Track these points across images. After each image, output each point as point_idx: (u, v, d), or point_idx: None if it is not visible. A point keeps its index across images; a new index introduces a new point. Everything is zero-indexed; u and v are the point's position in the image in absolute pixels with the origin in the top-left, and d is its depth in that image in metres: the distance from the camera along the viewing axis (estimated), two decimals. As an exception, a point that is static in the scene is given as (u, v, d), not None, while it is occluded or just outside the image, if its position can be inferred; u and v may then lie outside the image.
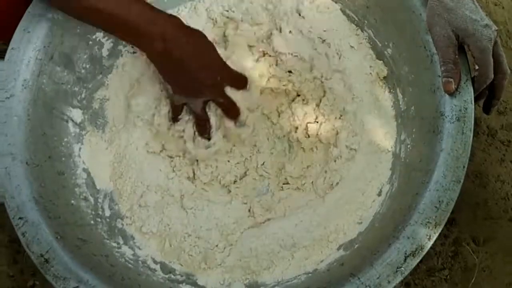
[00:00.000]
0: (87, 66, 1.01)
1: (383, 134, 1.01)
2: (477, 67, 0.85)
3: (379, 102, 1.02)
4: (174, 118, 1.02)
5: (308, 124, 1.03)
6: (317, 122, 1.04)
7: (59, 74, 0.96)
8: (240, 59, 1.04)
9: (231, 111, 1.00)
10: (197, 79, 0.96)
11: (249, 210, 1.00)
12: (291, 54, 1.07)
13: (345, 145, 1.02)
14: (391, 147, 0.98)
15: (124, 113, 1.05)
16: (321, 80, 1.05)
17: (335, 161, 1.01)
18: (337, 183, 1.00)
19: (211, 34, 1.07)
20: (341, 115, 1.04)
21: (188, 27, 0.96)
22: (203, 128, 1.01)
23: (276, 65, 1.07)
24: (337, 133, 1.03)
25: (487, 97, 0.91)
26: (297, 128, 1.04)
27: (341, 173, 1.00)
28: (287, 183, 1.02)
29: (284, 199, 1.00)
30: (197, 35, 0.96)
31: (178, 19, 0.95)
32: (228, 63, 1.00)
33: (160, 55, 0.93)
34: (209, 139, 1.02)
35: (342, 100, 1.04)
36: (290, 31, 1.07)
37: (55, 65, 0.95)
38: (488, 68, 0.84)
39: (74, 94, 0.99)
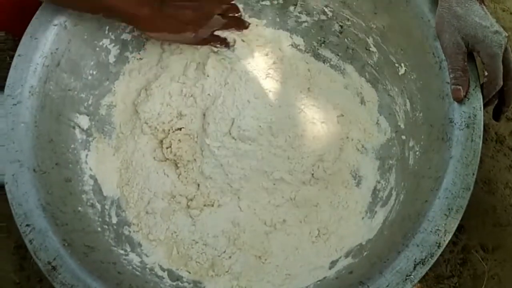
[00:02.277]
0: (94, 72, 1.01)
1: (389, 140, 1.01)
2: (486, 74, 0.84)
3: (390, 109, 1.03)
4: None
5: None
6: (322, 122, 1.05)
7: (66, 81, 0.96)
8: None
9: (238, 24, 1.07)
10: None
11: (256, 216, 1.00)
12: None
13: (354, 149, 1.03)
14: (400, 154, 0.98)
15: (131, 119, 1.05)
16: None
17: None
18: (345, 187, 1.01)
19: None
20: (342, 114, 1.06)
21: None
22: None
23: None
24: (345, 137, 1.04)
25: (496, 103, 0.91)
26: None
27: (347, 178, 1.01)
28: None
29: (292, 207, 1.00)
30: None
31: None
32: None
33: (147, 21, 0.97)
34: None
35: (348, 103, 1.06)
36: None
37: (62, 71, 0.95)
38: (498, 75, 0.83)
39: (81, 101, 0.99)
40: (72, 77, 0.97)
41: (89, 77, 1.00)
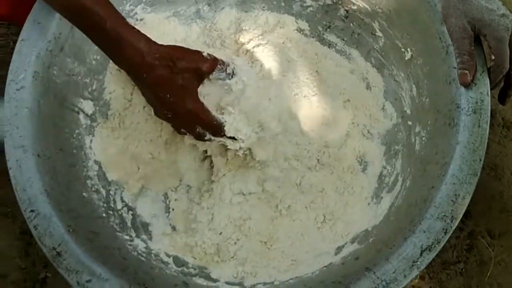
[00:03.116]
0: (98, 57, 1.00)
1: (395, 126, 1.01)
2: (493, 57, 0.83)
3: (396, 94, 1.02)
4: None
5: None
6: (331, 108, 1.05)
7: (70, 66, 0.95)
8: None
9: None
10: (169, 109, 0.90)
11: (262, 202, 1.00)
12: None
13: (360, 134, 1.03)
14: (406, 140, 0.97)
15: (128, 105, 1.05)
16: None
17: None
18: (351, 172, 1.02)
19: None
20: (348, 100, 1.06)
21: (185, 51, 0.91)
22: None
23: None
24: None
25: (502, 87, 0.90)
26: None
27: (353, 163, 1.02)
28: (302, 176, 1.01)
29: (297, 193, 1.00)
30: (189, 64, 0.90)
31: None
32: None
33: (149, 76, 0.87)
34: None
35: (353, 88, 1.06)
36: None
37: (65, 56, 0.94)
38: (505, 58, 0.83)
39: (85, 86, 0.99)
40: (76, 62, 0.96)
41: (93, 62, 1.00)
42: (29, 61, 0.90)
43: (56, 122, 0.91)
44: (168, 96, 0.88)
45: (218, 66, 0.93)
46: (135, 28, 0.88)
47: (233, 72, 0.94)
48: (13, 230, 1.18)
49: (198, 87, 0.91)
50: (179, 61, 0.88)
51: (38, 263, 1.15)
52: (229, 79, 0.94)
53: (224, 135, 0.93)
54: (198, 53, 0.92)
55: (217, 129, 0.92)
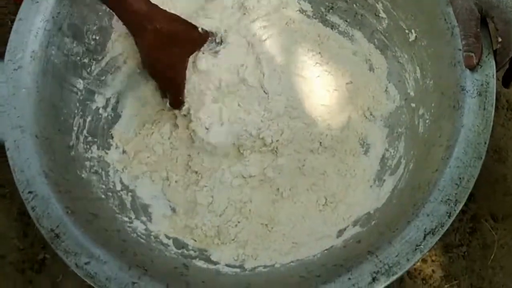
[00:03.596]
0: (97, 37, 0.99)
1: (398, 108, 1.00)
2: (500, 40, 0.82)
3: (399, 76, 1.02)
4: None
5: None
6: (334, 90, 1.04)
7: (68, 46, 0.94)
8: None
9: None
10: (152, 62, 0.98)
11: (263, 184, 0.99)
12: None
13: (362, 116, 1.03)
14: (409, 122, 0.96)
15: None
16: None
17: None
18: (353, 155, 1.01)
19: None
20: (350, 81, 1.05)
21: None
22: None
23: None
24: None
25: (507, 70, 0.89)
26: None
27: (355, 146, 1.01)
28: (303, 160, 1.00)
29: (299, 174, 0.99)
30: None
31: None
32: None
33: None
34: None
35: (356, 70, 1.05)
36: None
37: (64, 36, 0.93)
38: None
39: (84, 66, 0.98)
40: (74, 41, 0.95)
41: (92, 42, 0.99)
42: (26, 40, 0.89)
43: (55, 103, 0.90)
44: (160, 54, 0.96)
45: (209, 38, 1.02)
46: None
47: (221, 40, 1.03)
48: (11, 211, 1.17)
49: (187, 59, 1.00)
50: (177, 31, 0.96)
51: (36, 244, 1.15)
52: (217, 47, 1.02)
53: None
54: (195, 28, 1.00)
55: (179, 103, 1.01)
